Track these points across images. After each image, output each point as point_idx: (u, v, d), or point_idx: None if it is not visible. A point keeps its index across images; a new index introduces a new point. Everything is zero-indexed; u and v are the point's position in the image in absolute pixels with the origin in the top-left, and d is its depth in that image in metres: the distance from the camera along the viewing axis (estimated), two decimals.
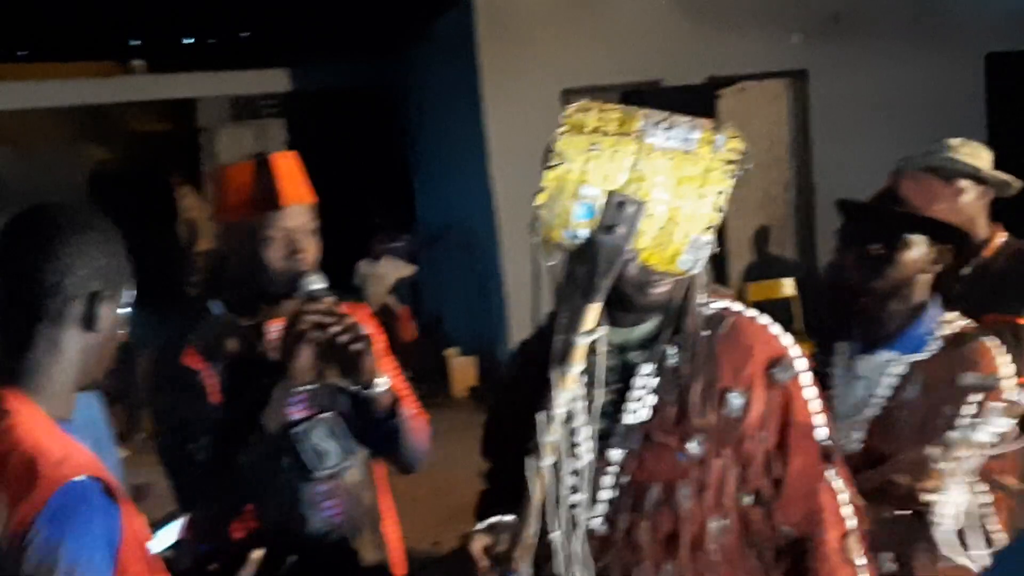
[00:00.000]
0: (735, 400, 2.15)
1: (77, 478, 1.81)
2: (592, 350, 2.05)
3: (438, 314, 13.14)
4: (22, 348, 1.95)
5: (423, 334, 12.55)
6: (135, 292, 2.05)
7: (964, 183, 3.73)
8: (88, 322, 1.96)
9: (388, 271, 12.26)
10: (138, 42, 16.72)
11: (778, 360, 2.18)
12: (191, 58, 16.50)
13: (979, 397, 2.75)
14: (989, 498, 2.69)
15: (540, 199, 2.01)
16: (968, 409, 2.75)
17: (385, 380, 2.80)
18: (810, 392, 2.21)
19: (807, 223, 11.05)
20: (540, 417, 2.04)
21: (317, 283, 2.73)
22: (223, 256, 2.90)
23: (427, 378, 11.28)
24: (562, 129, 2.03)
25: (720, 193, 1.97)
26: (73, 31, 14.62)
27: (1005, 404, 2.63)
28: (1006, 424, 2.53)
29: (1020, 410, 2.57)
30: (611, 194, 1.96)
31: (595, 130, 2.00)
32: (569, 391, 2.04)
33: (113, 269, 1.99)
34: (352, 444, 2.87)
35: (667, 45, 10.65)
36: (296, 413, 2.83)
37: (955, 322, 2.90)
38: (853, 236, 2.94)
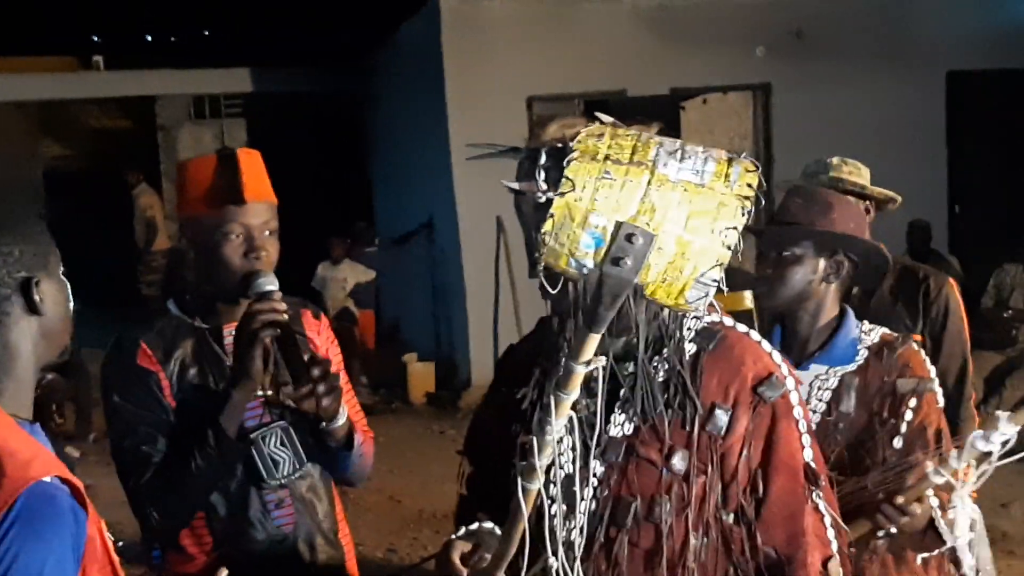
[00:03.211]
0: (721, 416, 2.11)
1: (45, 479, 1.76)
2: (591, 377, 2.00)
3: (397, 320, 13.10)
4: None
5: (382, 340, 12.52)
6: (58, 255, 2.00)
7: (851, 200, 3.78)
8: (32, 308, 1.92)
9: (347, 275, 12.23)
10: (98, 39, 16.59)
11: (767, 378, 2.14)
12: (152, 55, 16.39)
13: (915, 402, 2.78)
14: (937, 499, 2.70)
15: (547, 226, 1.92)
16: (908, 414, 2.78)
17: (344, 413, 2.78)
18: (798, 412, 2.17)
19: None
20: (532, 440, 1.99)
21: (269, 284, 2.68)
22: (182, 254, 2.86)
23: (385, 384, 11.25)
24: (573, 155, 1.94)
25: (732, 229, 1.90)
26: (33, 26, 14.47)
27: (1010, 412, 2.60)
28: (1013, 431, 2.50)
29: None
30: (620, 225, 1.89)
31: (607, 157, 1.92)
32: (564, 417, 1.98)
33: (35, 249, 1.95)
34: (305, 454, 2.84)
35: (631, 56, 10.67)
36: (251, 419, 2.77)
37: (874, 331, 2.92)
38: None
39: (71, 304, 2.02)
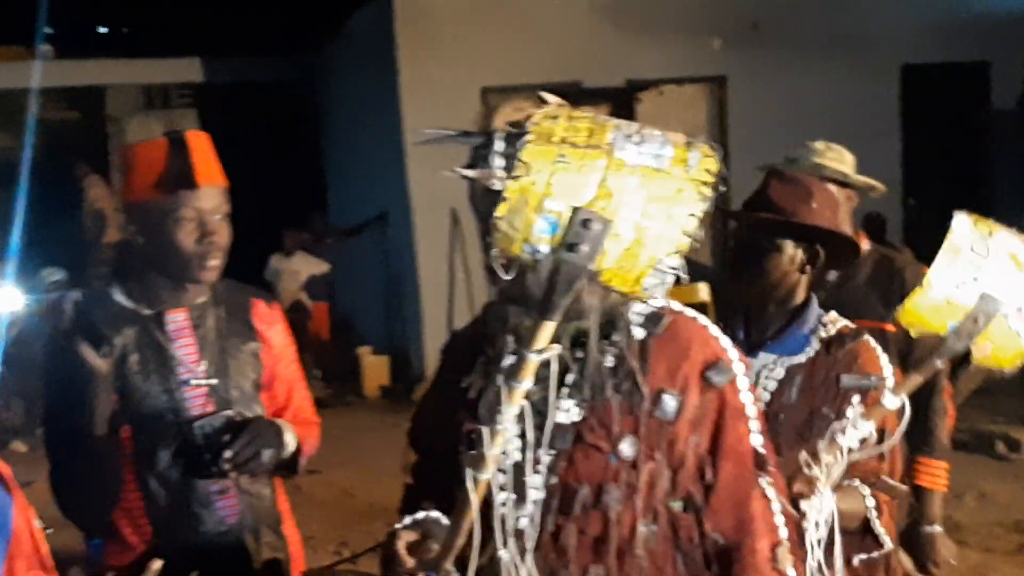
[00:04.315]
0: (669, 401, 2.08)
1: None
2: (544, 365, 1.96)
3: (351, 312, 13.04)
4: None
5: (335, 332, 12.45)
6: None
7: (832, 187, 3.75)
8: None
9: (300, 267, 12.16)
10: (47, 28, 16.37)
11: (715, 362, 2.11)
12: (101, 45, 16.20)
13: (858, 399, 2.73)
14: (873, 500, 2.67)
15: (500, 210, 1.86)
16: (850, 410, 2.69)
17: (291, 439, 2.78)
18: (746, 397, 2.15)
19: (722, 228, 11.10)
20: (484, 430, 1.94)
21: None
22: (128, 242, 2.80)
23: (339, 377, 11.19)
24: (528, 137, 1.88)
25: (691, 216, 1.86)
26: None
27: (866, 408, 2.62)
28: (868, 428, 2.51)
29: (883, 412, 2.56)
30: (576, 210, 1.84)
31: (563, 140, 1.87)
32: (516, 406, 1.95)
33: None
34: None
35: (587, 47, 10.65)
36: (195, 408, 2.73)
37: (835, 323, 2.87)
38: (731, 242, 2.92)
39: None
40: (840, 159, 3.82)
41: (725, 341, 2.17)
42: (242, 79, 14.85)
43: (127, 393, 2.68)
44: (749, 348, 2.83)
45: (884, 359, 2.83)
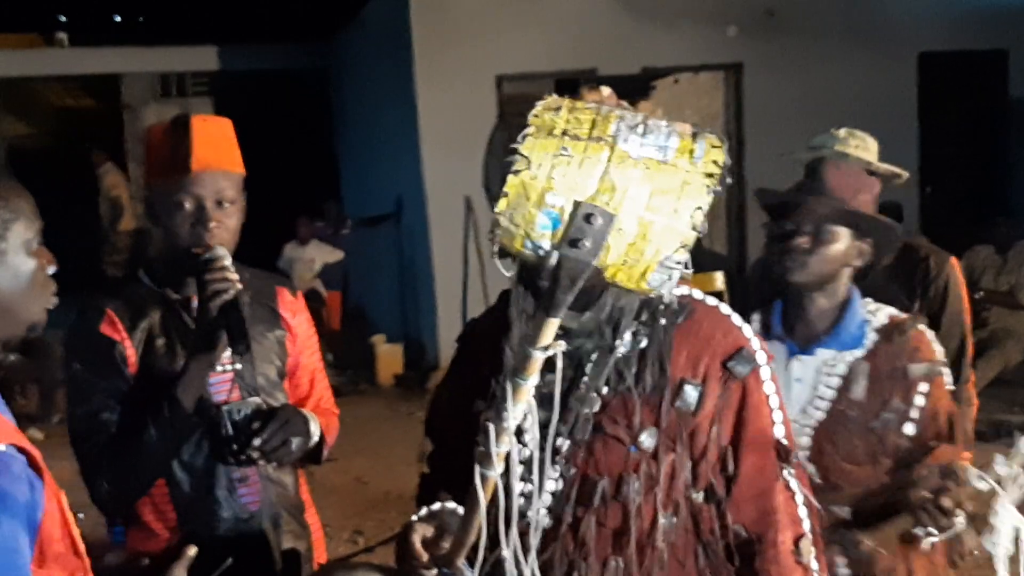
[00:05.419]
0: (690, 392, 2.06)
1: None
2: (549, 362, 1.93)
3: (365, 301, 13.03)
4: None
5: (349, 321, 12.45)
6: (36, 223, 1.92)
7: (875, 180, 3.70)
8: None
9: (315, 255, 12.16)
10: (63, 16, 16.39)
11: (737, 352, 2.09)
12: (117, 33, 16.21)
13: (926, 387, 2.71)
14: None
15: (501, 205, 1.84)
16: (920, 400, 2.71)
17: (316, 429, 2.77)
18: (769, 387, 2.12)
19: (738, 216, 11.07)
20: (490, 427, 1.91)
21: (214, 252, 2.61)
22: (148, 233, 2.82)
23: (353, 365, 11.18)
24: (529, 130, 1.84)
25: (698, 209, 1.82)
26: None
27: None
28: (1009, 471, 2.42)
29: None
30: (578, 205, 1.80)
31: (565, 133, 1.83)
32: (523, 403, 1.91)
33: None
34: None
35: (602, 34, 10.61)
36: (219, 394, 2.72)
37: (880, 311, 2.83)
38: (778, 228, 2.84)
39: (40, 277, 1.93)
40: (864, 146, 3.76)
41: (747, 330, 2.15)
42: (257, 67, 14.84)
43: (155, 377, 2.67)
44: (801, 344, 2.82)
45: (937, 343, 2.81)
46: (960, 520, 2.45)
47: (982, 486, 2.41)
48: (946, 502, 2.43)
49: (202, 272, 2.58)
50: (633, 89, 10.27)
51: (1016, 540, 2.38)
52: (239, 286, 2.59)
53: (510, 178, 1.83)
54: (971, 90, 11.64)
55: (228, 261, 2.60)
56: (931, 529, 2.51)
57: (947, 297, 3.64)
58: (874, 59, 10.92)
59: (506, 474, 1.96)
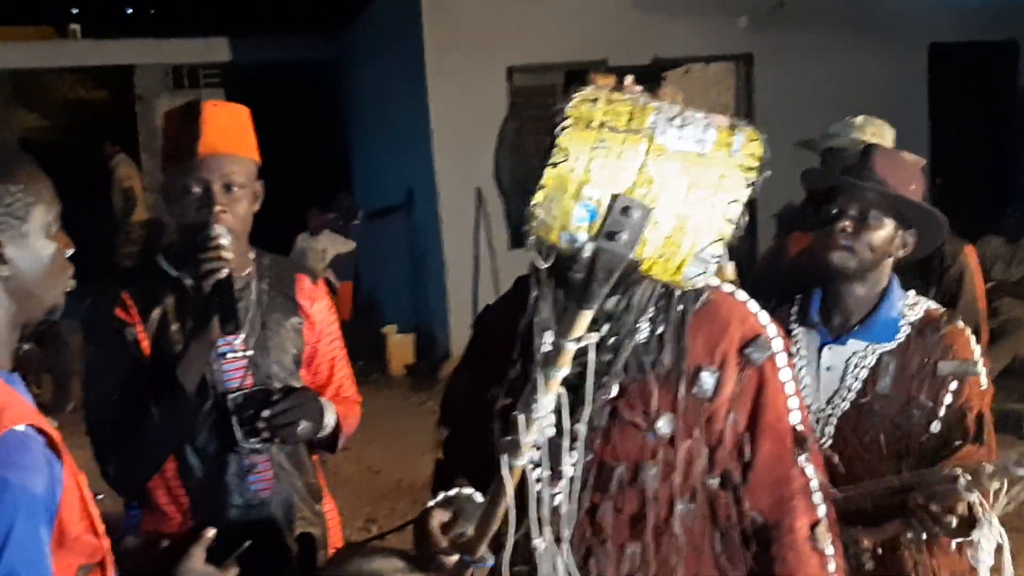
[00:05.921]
0: (707, 378, 2.07)
1: (17, 427, 1.71)
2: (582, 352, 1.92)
3: (376, 291, 13.04)
4: None
5: (361, 311, 12.46)
6: (55, 207, 1.93)
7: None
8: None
9: (326, 246, 12.16)
10: (75, 8, 16.41)
11: (754, 339, 2.09)
12: (129, 25, 16.22)
13: (956, 385, 2.68)
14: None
15: (538, 197, 1.82)
16: (948, 398, 2.67)
17: (331, 419, 2.79)
18: (785, 374, 2.12)
19: (748, 208, 11.03)
20: (520, 417, 1.92)
21: (213, 232, 2.61)
22: (160, 224, 2.84)
23: (364, 356, 11.20)
24: (566, 122, 1.83)
25: (734, 202, 1.84)
26: None
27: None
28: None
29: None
30: (616, 197, 1.80)
31: (602, 125, 1.82)
32: (553, 394, 1.92)
33: (5, 208, 1.87)
34: None
35: (612, 25, 10.59)
36: (231, 381, 2.74)
37: (918, 304, 2.79)
38: (820, 213, 2.77)
39: (60, 260, 1.94)
40: (880, 134, 3.71)
41: (764, 317, 2.15)
42: (269, 59, 14.83)
43: (166, 361, 2.68)
44: (834, 333, 2.78)
45: (973, 341, 2.74)
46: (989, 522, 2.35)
47: (971, 497, 2.34)
48: (934, 507, 2.38)
49: (198, 251, 2.60)
50: (644, 80, 10.26)
51: (999, 553, 2.35)
52: (234, 265, 2.61)
53: (548, 170, 1.83)
54: (982, 81, 11.60)
55: (225, 241, 2.60)
56: (922, 535, 2.48)
57: (962, 285, 3.61)
58: (884, 50, 10.89)
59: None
